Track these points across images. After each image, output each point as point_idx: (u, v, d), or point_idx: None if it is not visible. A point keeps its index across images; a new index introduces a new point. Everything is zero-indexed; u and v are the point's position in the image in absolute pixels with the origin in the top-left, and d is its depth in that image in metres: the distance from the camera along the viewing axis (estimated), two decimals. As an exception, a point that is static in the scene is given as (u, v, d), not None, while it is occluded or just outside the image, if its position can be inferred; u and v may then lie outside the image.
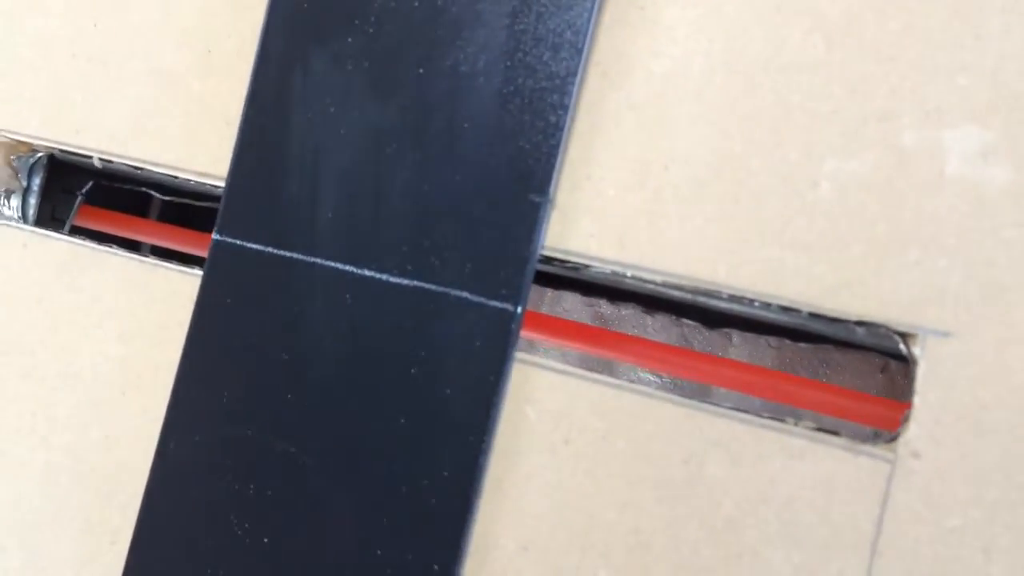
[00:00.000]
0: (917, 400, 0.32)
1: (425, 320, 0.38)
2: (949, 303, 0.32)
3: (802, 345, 0.40)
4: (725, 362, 0.43)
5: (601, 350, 0.44)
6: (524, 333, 0.38)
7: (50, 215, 0.53)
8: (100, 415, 0.43)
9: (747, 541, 0.33)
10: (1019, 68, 0.32)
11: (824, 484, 0.33)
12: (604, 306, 0.43)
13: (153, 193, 0.52)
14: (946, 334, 0.32)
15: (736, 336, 0.41)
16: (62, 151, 0.47)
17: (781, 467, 0.33)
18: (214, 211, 0.43)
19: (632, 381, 0.36)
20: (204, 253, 0.45)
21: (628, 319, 0.42)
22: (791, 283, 0.34)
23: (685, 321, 0.41)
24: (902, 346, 0.33)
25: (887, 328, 0.33)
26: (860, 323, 0.34)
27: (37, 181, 0.50)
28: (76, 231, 0.53)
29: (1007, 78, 0.32)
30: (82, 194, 0.54)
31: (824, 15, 0.34)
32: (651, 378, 0.44)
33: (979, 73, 0.32)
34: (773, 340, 0.41)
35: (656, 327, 0.42)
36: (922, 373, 0.32)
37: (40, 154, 0.49)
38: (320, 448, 0.39)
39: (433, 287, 0.38)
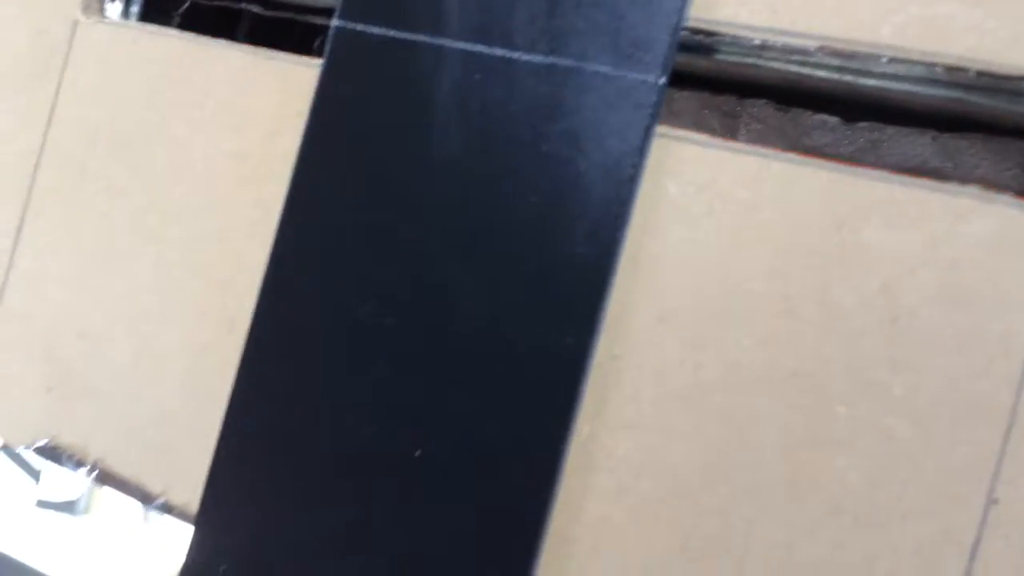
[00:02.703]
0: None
1: (560, 96, 0.37)
2: None
3: (944, 135, 0.38)
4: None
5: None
6: (663, 110, 0.37)
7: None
8: (213, 208, 0.43)
9: (904, 304, 0.32)
10: None
11: (991, 244, 0.31)
12: (732, 107, 0.41)
13: (254, 9, 0.51)
14: None
15: (872, 130, 0.39)
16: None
17: (945, 229, 0.32)
18: (304, 36, 0.41)
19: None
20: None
21: (757, 114, 0.41)
22: (960, 39, 0.32)
23: (823, 116, 0.40)
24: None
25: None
26: (1030, 84, 0.32)
27: (139, -10, 0.49)
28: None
29: None
30: (178, 14, 0.53)
31: None
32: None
33: None
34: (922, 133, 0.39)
35: (789, 122, 0.40)
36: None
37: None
38: (448, 232, 0.38)
39: (569, 62, 0.37)
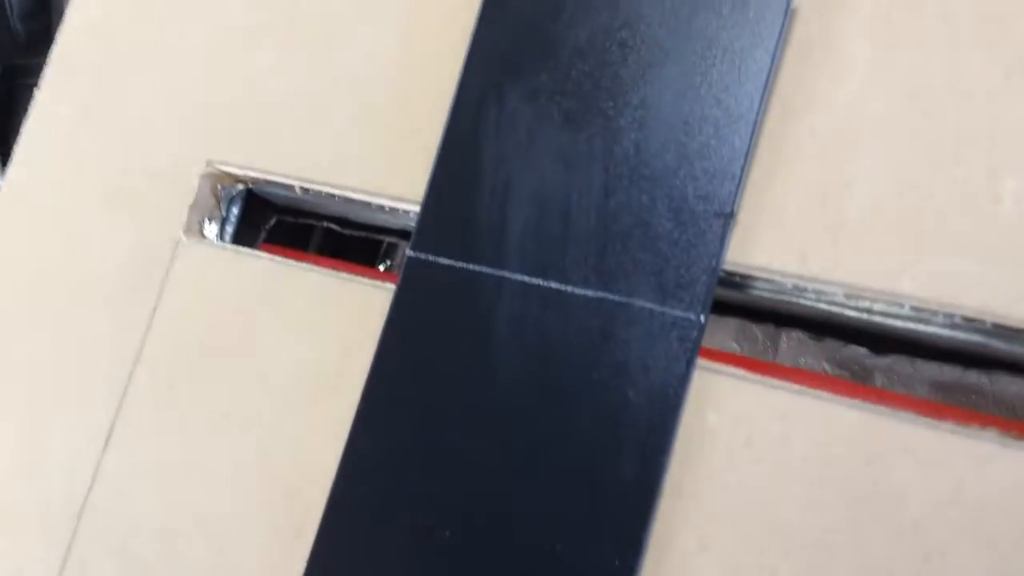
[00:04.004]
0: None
1: (609, 328, 0.41)
2: None
3: (969, 373, 0.41)
4: (889, 394, 0.44)
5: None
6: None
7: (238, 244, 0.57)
8: (289, 417, 0.46)
9: (935, 541, 0.34)
10: None
11: (1016, 487, 0.33)
12: (770, 331, 0.44)
13: (334, 227, 0.56)
14: None
15: (898, 363, 0.42)
16: (265, 181, 0.52)
17: (971, 470, 0.34)
18: (369, 250, 0.46)
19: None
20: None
21: (795, 345, 0.44)
22: (975, 293, 0.35)
23: (854, 347, 0.43)
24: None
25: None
26: (1044, 336, 0.35)
27: (235, 211, 0.55)
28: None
29: None
30: (266, 229, 0.59)
31: (1000, 47, 0.37)
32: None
33: None
34: (937, 369, 0.42)
35: (821, 353, 0.43)
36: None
37: (241, 186, 0.54)
38: (505, 451, 0.41)
39: (618, 298, 0.41)
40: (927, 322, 0.37)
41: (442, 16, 0.48)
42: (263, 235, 0.59)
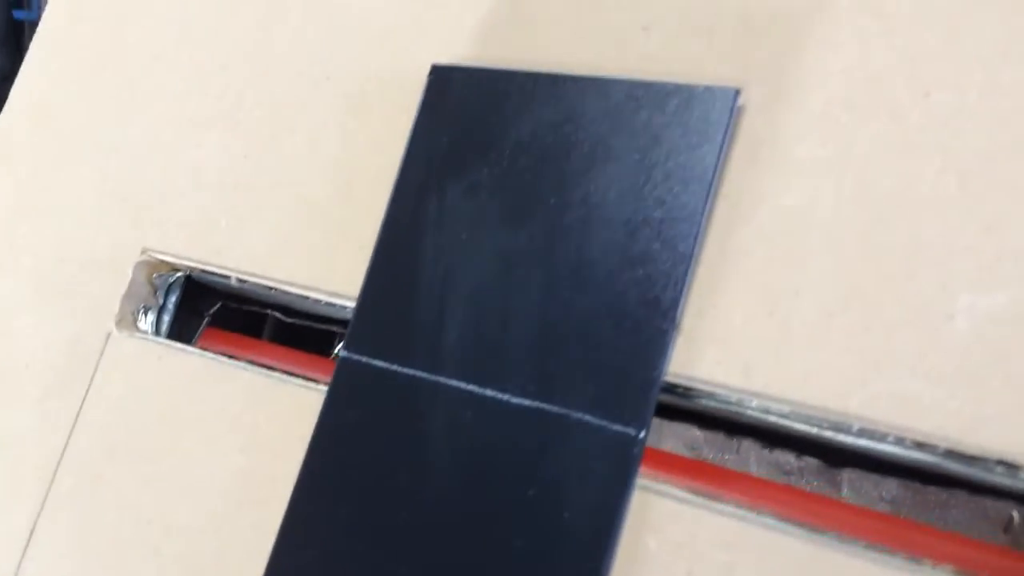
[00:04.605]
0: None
1: (546, 442, 0.38)
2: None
3: (928, 488, 0.39)
4: (843, 507, 0.41)
5: (713, 488, 0.43)
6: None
7: (178, 333, 0.55)
8: (214, 527, 0.44)
9: None
10: None
11: (970, 632, 0.31)
12: (721, 440, 0.42)
13: (277, 315, 0.54)
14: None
15: (854, 477, 0.40)
16: (201, 271, 0.50)
17: (922, 611, 0.32)
18: (325, 335, 0.44)
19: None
20: (314, 374, 0.46)
21: (747, 454, 0.42)
22: (927, 417, 0.33)
23: (808, 459, 0.40)
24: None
25: (1032, 468, 0.32)
26: (1001, 462, 0.32)
27: (173, 299, 0.53)
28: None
29: None
30: (209, 315, 0.57)
31: (956, 154, 0.35)
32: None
33: (1120, 211, 0.32)
34: (895, 485, 0.40)
35: (770, 463, 0.41)
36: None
37: (179, 274, 0.52)
38: (435, 568, 0.38)
39: (555, 409, 0.38)
40: (879, 440, 0.35)
41: (384, 111, 0.47)
42: (207, 321, 0.56)
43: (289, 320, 0.54)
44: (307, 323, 0.54)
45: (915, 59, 0.37)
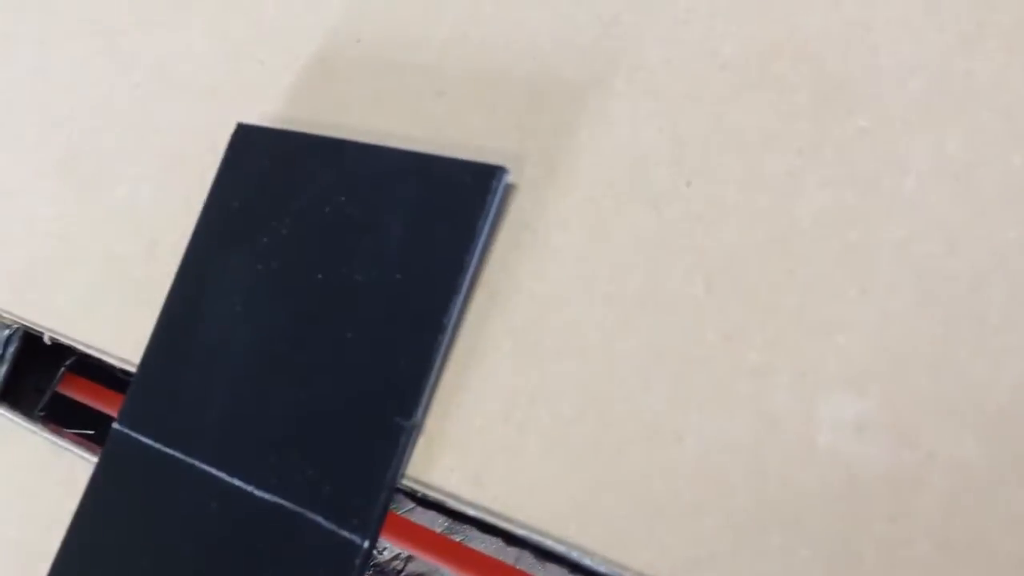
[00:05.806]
0: None
1: (279, 539, 0.35)
2: (816, 603, 0.27)
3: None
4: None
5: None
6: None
7: (34, 385, 0.54)
8: (-16, 598, 0.42)
9: None
10: (903, 331, 0.27)
11: None
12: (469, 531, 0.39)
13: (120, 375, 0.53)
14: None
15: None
16: (22, 323, 0.48)
17: None
18: None
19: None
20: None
21: (526, 564, 0.38)
22: (642, 553, 0.29)
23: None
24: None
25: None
26: (724, 610, 0.28)
27: (11, 350, 0.52)
28: (59, 400, 0.54)
29: (889, 342, 0.27)
30: (65, 366, 0.56)
31: (707, 253, 0.31)
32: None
33: (860, 333, 0.28)
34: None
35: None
36: None
37: (17, 326, 0.51)
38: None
39: (291, 506, 0.36)
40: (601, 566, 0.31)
41: (198, 168, 0.45)
42: (62, 372, 0.55)
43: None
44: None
45: (683, 144, 0.33)
